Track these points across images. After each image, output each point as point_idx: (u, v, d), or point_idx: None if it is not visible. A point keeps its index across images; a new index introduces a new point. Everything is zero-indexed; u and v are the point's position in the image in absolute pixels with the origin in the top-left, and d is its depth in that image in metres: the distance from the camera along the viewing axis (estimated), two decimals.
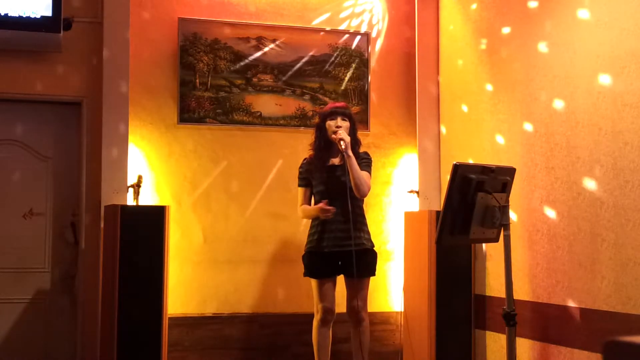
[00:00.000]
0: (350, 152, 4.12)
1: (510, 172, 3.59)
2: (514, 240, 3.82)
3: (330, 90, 5.22)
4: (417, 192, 5.20)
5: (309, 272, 4.28)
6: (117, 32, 4.71)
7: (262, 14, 5.12)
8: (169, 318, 4.43)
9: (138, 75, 4.83)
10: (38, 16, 4.46)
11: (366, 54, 5.30)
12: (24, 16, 4.44)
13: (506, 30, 4.54)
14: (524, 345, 4.21)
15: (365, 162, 4.27)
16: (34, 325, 4.66)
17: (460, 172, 3.35)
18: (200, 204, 4.94)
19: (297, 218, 4.49)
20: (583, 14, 3.85)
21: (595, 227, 3.72)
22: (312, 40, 5.20)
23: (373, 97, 5.30)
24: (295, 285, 4.95)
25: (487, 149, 4.68)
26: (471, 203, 3.35)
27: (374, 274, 4.32)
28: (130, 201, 4.58)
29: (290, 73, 5.13)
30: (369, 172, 4.27)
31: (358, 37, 5.29)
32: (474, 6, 4.88)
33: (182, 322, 4.80)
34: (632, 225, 3.49)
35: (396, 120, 5.35)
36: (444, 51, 5.25)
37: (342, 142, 4.11)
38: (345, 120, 4.28)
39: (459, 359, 4.70)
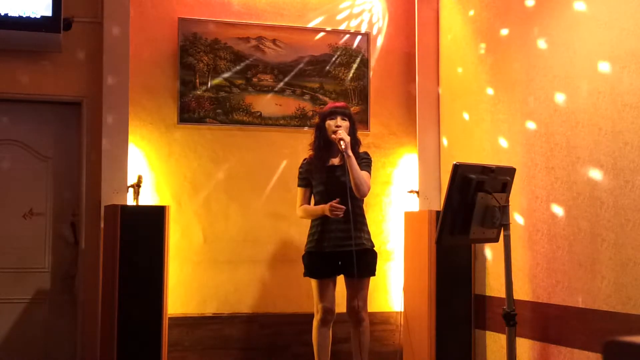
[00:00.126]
0: (350, 152, 4.12)
1: (510, 172, 3.59)
2: (514, 240, 3.82)
3: (330, 90, 5.22)
4: (417, 192, 5.20)
5: (309, 272, 4.28)
6: (117, 32, 4.71)
7: (262, 14, 5.12)
8: (169, 318, 4.43)
9: (138, 75, 4.83)
10: (38, 16, 4.46)
11: (366, 54, 5.30)
12: (24, 16, 4.45)
13: (506, 30, 4.54)
14: (524, 345, 4.21)
15: (365, 162, 4.27)
16: (34, 325, 4.66)
17: (460, 172, 3.35)
18: (200, 203, 4.94)
19: (297, 218, 4.49)
20: (583, 13, 3.85)
21: (595, 227, 3.72)
22: (312, 40, 5.20)
23: (373, 97, 5.30)
24: (295, 285, 4.95)
25: (487, 149, 4.68)
26: (471, 203, 3.35)
27: (374, 274, 4.32)
28: (130, 201, 4.58)
29: (290, 73, 5.14)
30: (369, 172, 4.27)
31: (358, 37, 5.29)
32: (473, 6, 4.87)
33: (182, 322, 4.80)
34: (632, 225, 3.49)
35: (396, 120, 5.35)
36: (444, 51, 5.25)
37: (342, 142, 4.11)
38: (345, 120, 4.28)
39: (459, 359, 4.70)
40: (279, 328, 4.97)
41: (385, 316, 5.18)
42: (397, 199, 5.29)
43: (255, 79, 5.08)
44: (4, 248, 4.64)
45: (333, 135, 4.21)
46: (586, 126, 3.80)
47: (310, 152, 4.39)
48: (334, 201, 4.13)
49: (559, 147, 4.00)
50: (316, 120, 4.53)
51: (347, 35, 5.27)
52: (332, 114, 4.29)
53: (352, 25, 5.30)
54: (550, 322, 4.04)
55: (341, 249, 4.18)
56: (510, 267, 3.47)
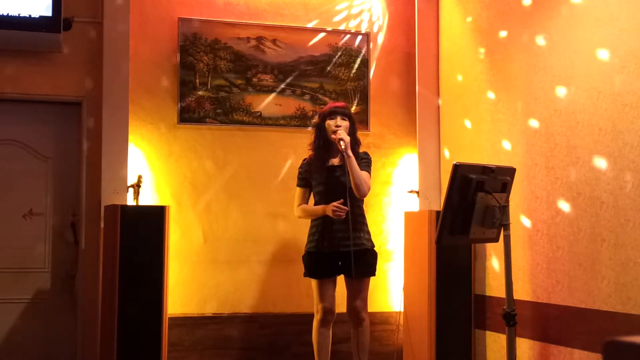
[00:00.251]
0: (350, 152, 4.11)
1: (510, 172, 3.59)
2: (514, 240, 3.82)
3: (330, 90, 5.22)
4: (417, 192, 5.20)
5: (309, 273, 4.28)
6: (117, 32, 4.71)
7: (262, 14, 5.12)
8: (169, 318, 4.43)
9: (138, 75, 4.83)
10: (38, 16, 4.46)
11: (366, 54, 5.30)
12: (24, 16, 4.45)
13: (506, 30, 4.53)
14: (524, 345, 4.21)
15: (365, 162, 4.27)
16: (34, 325, 4.66)
17: (460, 172, 3.35)
18: (200, 204, 4.94)
19: (298, 218, 4.50)
20: (583, 13, 3.85)
21: (595, 227, 3.72)
22: (312, 40, 5.20)
23: (373, 97, 5.30)
24: (295, 285, 4.95)
25: (487, 149, 4.68)
26: (471, 203, 3.35)
27: (374, 274, 4.31)
28: (130, 201, 4.58)
29: (290, 73, 5.14)
30: (369, 172, 4.27)
31: (358, 37, 5.29)
32: (473, 6, 4.87)
33: (182, 322, 4.80)
34: (632, 225, 3.49)
35: (396, 120, 5.35)
36: (443, 51, 5.25)
37: (341, 142, 4.11)
38: (345, 120, 4.28)
39: (459, 359, 4.70)
40: (279, 328, 4.97)
41: (385, 316, 5.18)
42: (397, 199, 5.29)
43: (255, 79, 5.08)
44: (4, 248, 4.64)
45: (333, 135, 4.21)
46: (586, 126, 3.80)
47: (310, 152, 4.39)
48: (338, 202, 4.13)
49: (559, 147, 4.00)
50: (316, 120, 4.53)
51: (347, 36, 5.27)
52: (332, 114, 4.29)
53: (352, 25, 5.30)
54: (550, 322, 4.04)
55: (341, 249, 4.18)
56: (510, 267, 3.47)
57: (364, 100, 5.28)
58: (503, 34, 4.56)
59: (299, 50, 5.17)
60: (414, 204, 5.20)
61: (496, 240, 3.58)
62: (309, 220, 4.36)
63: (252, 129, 5.06)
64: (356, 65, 5.27)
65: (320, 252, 4.23)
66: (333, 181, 4.25)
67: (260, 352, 4.94)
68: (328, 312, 4.23)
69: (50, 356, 4.66)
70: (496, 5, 4.64)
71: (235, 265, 4.96)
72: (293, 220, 4.79)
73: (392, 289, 5.22)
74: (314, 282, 4.25)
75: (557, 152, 4.02)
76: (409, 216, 5.04)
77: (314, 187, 4.32)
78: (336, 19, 5.27)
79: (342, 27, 5.28)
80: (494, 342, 4.62)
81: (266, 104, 5.08)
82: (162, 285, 4.27)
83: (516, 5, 4.43)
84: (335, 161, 4.32)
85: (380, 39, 5.36)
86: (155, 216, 4.31)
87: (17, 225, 4.67)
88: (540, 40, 4.19)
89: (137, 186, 4.54)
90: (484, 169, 3.44)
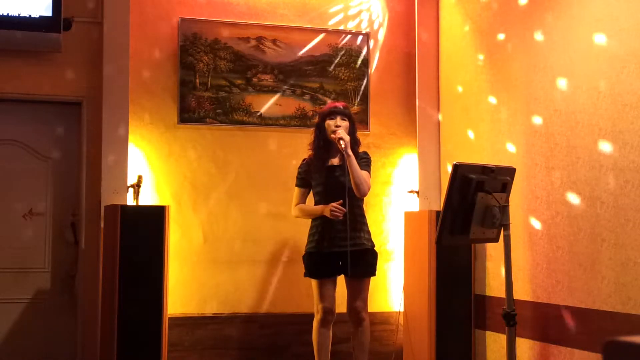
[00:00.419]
0: (349, 151, 4.11)
1: (510, 172, 3.59)
2: (514, 240, 3.82)
3: (330, 90, 5.22)
4: (417, 192, 5.20)
5: (309, 273, 4.28)
6: (117, 32, 4.70)
7: (262, 14, 5.12)
8: (169, 318, 4.43)
9: (138, 75, 4.83)
10: (38, 16, 4.46)
11: (366, 54, 5.30)
12: (24, 16, 4.45)
13: (506, 30, 4.53)
14: (524, 345, 4.21)
15: (365, 161, 4.27)
16: (34, 325, 4.65)
17: (460, 172, 3.35)
18: (200, 204, 4.94)
19: (295, 218, 4.50)
20: (583, 13, 3.85)
21: (595, 227, 3.72)
22: (312, 40, 5.20)
23: (373, 97, 5.30)
24: (295, 285, 4.95)
25: (487, 149, 4.68)
26: (471, 203, 3.35)
27: (374, 274, 4.31)
28: (130, 201, 4.58)
29: (290, 73, 5.14)
30: (369, 171, 4.27)
31: (358, 38, 5.29)
32: (473, 6, 4.87)
33: (182, 322, 4.80)
34: (632, 225, 3.49)
35: (396, 120, 5.35)
36: (444, 51, 5.25)
37: (341, 142, 4.11)
38: (345, 120, 4.28)
39: (459, 359, 4.70)
40: (279, 328, 4.97)
41: (385, 316, 5.18)
42: (397, 199, 5.29)
43: (255, 79, 5.08)
44: (4, 248, 4.64)
45: (332, 135, 4.21)
46: (586, 126, 3.80)
47: (310, 152, 4.39)
48: (336, 202, 4.13)
49: (559, 147, 4.00)
50: (316, 120, 4.53)
51: (347, 36, 5.27)
52: (332, 114, 4.30)
53: (352, 25, 5.30)
54: (550, 322, 4.04)
55: (341, 249, 4.17)
56: (510, 267, 3.47)
57: (364, 100, 5.28)
58: (503, 34, 4.56)
59: (298, 50, 5.17)
60: (414, 204, 5.20)
61: (496, 240, 3.58)
62: (309, 221, 4.36)
63: (252, 129, 5.06)
64: (356, 66, 5.27)
65: (320, 253, 4.23)
66: (332, 181, 4.25)
67: (260, 352, 4.94)
68: (328, 312, 4.23)
69: (50, 356, 4.66)
70: (496, 6, 4.64)
71: (235, 265, 4.96)
72: (293, 220, 4.79)
73: (392, 289, 5.22)
74: (314, 282, 4.25)
75: (557, 152, 4.02)
76: (409, 216, 5.04)
77: (314, 187, 4.33)
78: (336, 19, 5.27)
79: (342, 27, 5.28)
80: (494, 342, 4.62)
81: (266, 103, 5.08)
82: (162, 285, 4.27)
83: (516, 5, 4.43)
84: (334, 161, 4.32)
85: (380, 39, 5.36)
86: (155, 216, 4.31)
87: (17, 225, 4.67)
88: (541, 40, 4.19)
89: (137, 186, 4.54)
90: (484, 169, 3.44)
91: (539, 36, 4.21)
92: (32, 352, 4.63)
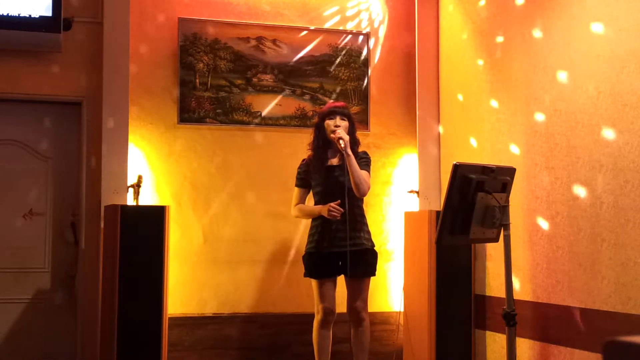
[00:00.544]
0: (349, 151, 4.11)
1: (510, 172, 3.59)
2: (514, 240, 3.82)
3: (330, 90, 5.22)
4: (417, 192, 5.20)
5: (309, 273, 4.28)
6: (117, 32, 4.70)
7: (262, 14, 5.12)
8: (169, 318, 4.43)
9: (138, 75, 4.83)
10: (38, 16, 4.46)
11: (366, 54, 5.30)
12: (24, 16, 4.45)
13: (506, 30, 4.53)
14: (524, 345, 4.21)
15: (364, 161, 4.27)
16: (34, 325, 4.66)
17: (460, 172, 3.35)
18: (200, 204, 4.94)
19: (295, 217, 4.50)
20: (583, 14, 3.85)
21: (595, 227, 3.72)
22: (312, 40, 5.20)
23: (373, 97, 5.30)
24: (295, 285, 4.95)
25: (487, 149, 4.68)
26: (471, 203, 3.35)
27: (374, 274, 4.31)
28: (130, 201, 4.58)
29: (290, 73, 5.14)
30: (368, 171, 4.27)
31: (359, 37, 5.29)
32: (473, 6, 4.87)
33: (182, 322, 4.80)
34: (632, 225, 3.49)
35: (396, 120, 5.35)
36: (443, 51, 5.25)
37: (341, 141, 4.11)
38: (344, 120, 4.28)
39: (458, 359, 4.70)
40: (279, 328, 4.97)
41: (385, 316, 5.18)
42: (397, 199, 5.29)
43: (255, 79, 5.08)
44: (4, 248, 4.64)
45: (332, 135, 4.21)
46: (586, 126, 3.80)
47: (310, 152, 4.39)
48: (334, 202, 4.13)
49: (559, 147, 4.00)
50: (316, 120, 4.53)
51: (347, 36, 5.27)
52: (331, 114, 4.30)
53: (352, 25, 5.30)
54: (550, 322, 4.04)
55: (341, 249, 4.17)
56: (510, 267, 3.47)
57: (364, 100, 5.28)
58: (503, 34, 4.56)
59: (299, 50, 5.17)
60: (414, 204, 5.20)
61: (496, 240, 3.58)
62: (309, 221, 4.36)
63: (252, 129, 5.06)
64: (356, 66, 5.27)
65: (320, 253, 4.23)
66: (332, 181, 4.25)
67: (260, 352, 4.94)
68: (328, 312, 4.23)
69: (50, 356, 4.66)
70: (496, 5, 4.64)
71: (235, 265, 4.96)
72: (293, 220, 4.80)
73: (392, 289, 5.22)
74: (314, 283, 4.25)
75: (557, 152, 4.02)
76: (409, 216, 5.04)
77: (313, 187, 4.33)
78: (336, 19, 5.27)
79: (342, 27, 5.28)
80: (494, 342, 4.62)
81: (266, 104, 5.08)
82: (162, 285, 4.27)
83: (516, 5, 4.43)
84: (334, 161, 4.32)
85: (381, 39, 5.36)
86: (155, 216, 4.31)
87: (17, 225, 4.67)
88: (541, 40, 4.19)
89: (137, 186, 4.54)
90: (484, 169, 3.44)
91: (539, 36, 4.21)
92: (32, 352, 4.63)
